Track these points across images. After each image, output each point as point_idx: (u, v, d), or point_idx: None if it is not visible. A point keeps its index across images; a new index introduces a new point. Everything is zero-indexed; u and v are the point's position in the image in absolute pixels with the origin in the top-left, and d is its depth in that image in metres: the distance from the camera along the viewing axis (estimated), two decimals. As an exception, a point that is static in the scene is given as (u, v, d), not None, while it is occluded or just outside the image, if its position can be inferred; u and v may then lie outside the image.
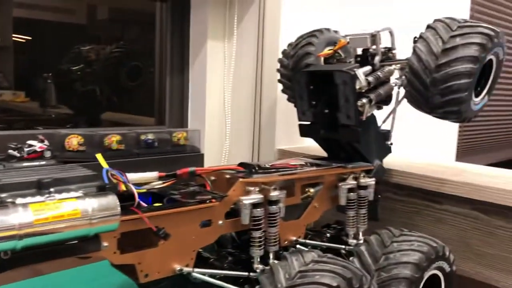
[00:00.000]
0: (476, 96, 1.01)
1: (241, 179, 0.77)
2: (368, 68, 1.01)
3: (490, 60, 1.00)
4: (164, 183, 0.77)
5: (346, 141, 1.00)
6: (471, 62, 0.91)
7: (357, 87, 0.94)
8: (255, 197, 0.76)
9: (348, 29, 1.14)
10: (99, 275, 1.08)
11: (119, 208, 0.58)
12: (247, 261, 0.80)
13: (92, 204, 0.56)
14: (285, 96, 1.26)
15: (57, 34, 1.45)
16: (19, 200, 0.53)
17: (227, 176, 0.83)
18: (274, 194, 0.78)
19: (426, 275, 0.82)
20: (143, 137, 1.28)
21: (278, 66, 1.24)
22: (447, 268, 0.87)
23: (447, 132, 2.10)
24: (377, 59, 1.05)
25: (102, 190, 0.60)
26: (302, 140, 1.30)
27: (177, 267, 0.70)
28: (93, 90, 1.55)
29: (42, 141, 1.09)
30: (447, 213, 1.15)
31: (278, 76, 1.25)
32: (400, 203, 1.23)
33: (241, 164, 0.86)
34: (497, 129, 2.78)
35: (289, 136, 1.34)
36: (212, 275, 0.75)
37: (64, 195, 0.55)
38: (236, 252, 0.83)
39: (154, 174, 0.77)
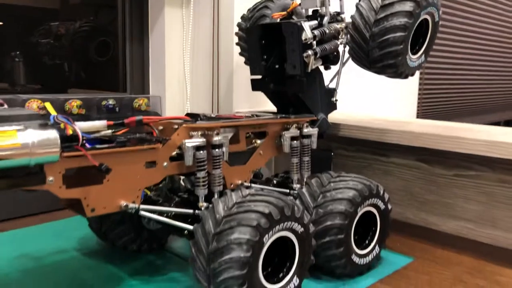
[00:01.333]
0: (414, 54, 1.08)
1: (184, 125, 0.82)
2: (314, 22, 1.07)
3: (426, 20, 1.07)
4: (114, 132, 0.82)
5: (292, 92, 1.05)
6: (406, 17, 0.98)
7: (303, 38, 0.99)
8: (198, 140, 0.81)
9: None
10: (65, 230, 1.12)
11: (58, 141, 0.63)
12: (194, 202, 0.85)
13: (32, 136, 0.61)
14: (243, 59, 1.31)
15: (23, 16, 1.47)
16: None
17: (175, 126, 0.88)
18: (217, 138, 0.83)
19: (361, 210, 0.89)
20: (104, 102, 1.32)
21: (235, 30, 1.29)
22: (382, 206, 0.93)
23: (407, 98, 2.18)
24: (325, 19, 1.10)
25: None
26: (261, 104, 1.35)
27: (123, 203, 0.75)
28: (61, 65, 1.57)
29: (1, 105, 1.11)
30: (393, 165, 1.23)
31: (236, 39, 1.30)
32: (351, 158, 1.30)
33: (188, 115, 0.92)
34: (456, 97, 2.88)
35: (248, 99, 1.39)
36: (160, 213, 0.81)
37: (6, 127, 0.60)
38: (185, 195, 0.89)
39: (103, 122, 0.81)
